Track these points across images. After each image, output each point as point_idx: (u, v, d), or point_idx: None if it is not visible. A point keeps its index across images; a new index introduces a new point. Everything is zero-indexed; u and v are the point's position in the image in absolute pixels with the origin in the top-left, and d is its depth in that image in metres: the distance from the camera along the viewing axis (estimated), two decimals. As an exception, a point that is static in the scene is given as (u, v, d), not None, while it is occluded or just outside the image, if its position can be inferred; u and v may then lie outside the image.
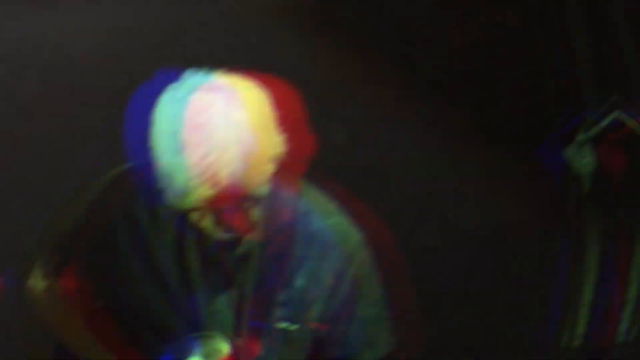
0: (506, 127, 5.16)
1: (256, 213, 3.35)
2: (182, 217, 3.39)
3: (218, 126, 3.16)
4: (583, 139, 3.87)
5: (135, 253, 3.53)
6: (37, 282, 3.71)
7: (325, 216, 3.51)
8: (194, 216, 3.30)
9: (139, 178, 3.45)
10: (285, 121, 3.36)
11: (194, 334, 3.44)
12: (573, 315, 5.41)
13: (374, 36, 5.19)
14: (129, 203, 3.55)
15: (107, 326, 3.60)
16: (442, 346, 5.01)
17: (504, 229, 5.28)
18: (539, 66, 5.69)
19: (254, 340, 3.45)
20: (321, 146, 3.55)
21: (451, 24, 5.69)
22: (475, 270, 5.00)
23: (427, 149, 4.44)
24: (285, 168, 3.39)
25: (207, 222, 3.32)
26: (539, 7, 5.82)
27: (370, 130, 4.24)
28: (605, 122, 4.00)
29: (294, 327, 3.42)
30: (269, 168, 3.28)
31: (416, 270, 3.96)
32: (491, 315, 5.42)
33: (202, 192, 3.18)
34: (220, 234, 3.36)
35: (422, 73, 5.51)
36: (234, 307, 3.42)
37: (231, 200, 3.24)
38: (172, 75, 3.33)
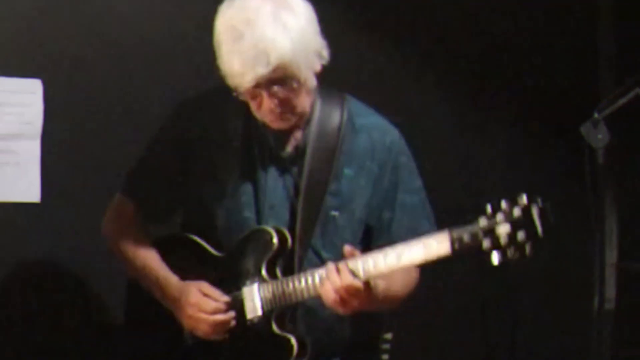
0: (531, 107, 5.40)
1: (305, 102, 3.66)
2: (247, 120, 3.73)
3: (268, 20, 3.46)
4: (599, 117, 3.89)
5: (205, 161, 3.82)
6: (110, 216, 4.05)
7: (366, 115, 3.83)
8: (249, 93, 3.55)
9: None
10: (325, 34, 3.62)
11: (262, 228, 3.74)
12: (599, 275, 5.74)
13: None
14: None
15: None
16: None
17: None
18: (561, 51, 5.70)
19: (307, 229, 3.74)
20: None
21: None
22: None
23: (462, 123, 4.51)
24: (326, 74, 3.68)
25: (262, 102, 3.58)
26: None
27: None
28: (619, 103, 3.94)
29: (344, 214, 3.74)
30: (315, 62, 3.59)
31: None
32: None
33: (257, 70, 3.45)
34: (272, 118, 3.63)
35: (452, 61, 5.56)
36: (289, 199, 3.76)
37: (281, 78, 3.53)
38: None
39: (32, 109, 4.48)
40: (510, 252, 3.28)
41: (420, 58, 5.43)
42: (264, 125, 3.72)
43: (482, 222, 3.30)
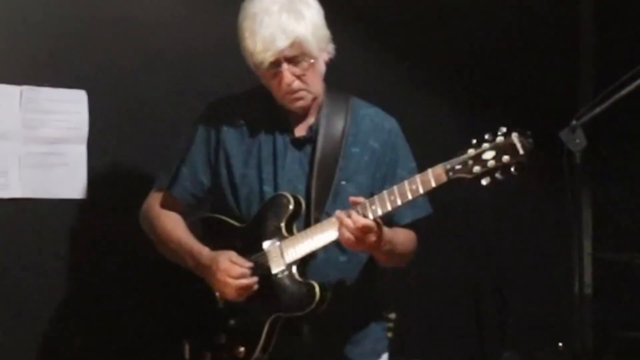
0: (517, 115, 5.26)
1: (317, 83, 3.86)
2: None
3: (284, 8, 3.70)
4: (577, 123, 3.89)
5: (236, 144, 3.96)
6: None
7: (367, 107, 4.00)
8: (270, 71, 3.76)
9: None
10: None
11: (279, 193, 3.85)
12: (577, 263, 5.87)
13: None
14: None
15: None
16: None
17: (517, 193, 5.50)
18: (545, 66, 5.76)
19: (321, 197, 3.86)
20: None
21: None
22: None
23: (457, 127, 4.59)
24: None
25: (282, 76, 3.76)
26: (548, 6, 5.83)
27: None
28: (595, 111, 3.92)
29: (352, 184, 3.86)
30: (324, 46, 3.83)
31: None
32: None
33: (277, 45, 3.67)
34: (290, 94, 3.80)
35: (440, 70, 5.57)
36: (305, 174, 3.90)
37: (296, 56, 3.74)
38: None
39: (78, 117, 4.51)
40: (497, 174, 3.45)
41: (413, 71, 5.49)
42: (283, 113, 3.90)
43: (471, 151, 3.47)
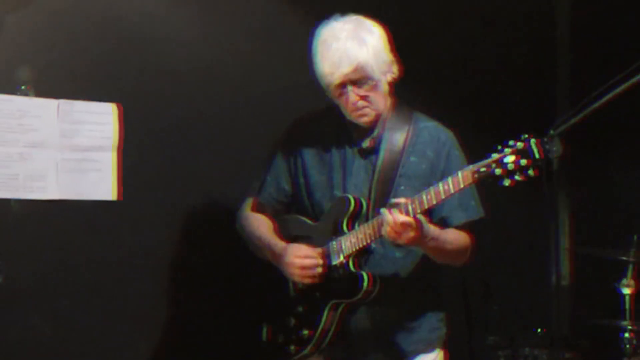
0: (501, 125, 5.32)
1: (380, 101, 3.94)
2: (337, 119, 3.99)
3: (349, 36, 3.83)
4: (554, 133, 3.74)
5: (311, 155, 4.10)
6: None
7: (427, 121, 4.06)
8: (337, 91, 3.87)
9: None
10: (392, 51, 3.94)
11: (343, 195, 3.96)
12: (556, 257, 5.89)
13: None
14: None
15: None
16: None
17: (502, 196, 5.66)
18: (526, 82, 5.78)
19: (380, 200, 3.92)
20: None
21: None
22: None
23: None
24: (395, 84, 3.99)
25: (348, 96, 3.87)
26: (526, 25, 5.85)
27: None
28: (571, 122, 3.81)
29: (409, 189, 3.90)
30: (386, 70, 3.91)
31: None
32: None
33: (341, 69, 3.81)
34: (355, 111, 3.90)
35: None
36: (369, 179, 3.99)
37: (359, 78, 3.84)
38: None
39: (109, 127, 4.51)
40: (517, 175, 3.55)
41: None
42: (351, 126, 3.99)
43: (494, 155, 3.58)
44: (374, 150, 4.01)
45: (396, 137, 4.00)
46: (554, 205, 5.84)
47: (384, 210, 3.72)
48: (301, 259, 3.91)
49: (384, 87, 3.95)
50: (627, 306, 4.75)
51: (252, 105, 4.85)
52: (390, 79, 3.97)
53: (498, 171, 3.58)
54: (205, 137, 4.77)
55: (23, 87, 4.41)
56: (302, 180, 4.12)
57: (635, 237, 4.76)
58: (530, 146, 3.56)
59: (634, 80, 4.06)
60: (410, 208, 3.69)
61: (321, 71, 3.89)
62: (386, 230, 3.70)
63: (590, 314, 5.34)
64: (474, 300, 5.70)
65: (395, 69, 3.97)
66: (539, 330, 5.51)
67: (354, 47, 3.84)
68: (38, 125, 4.39)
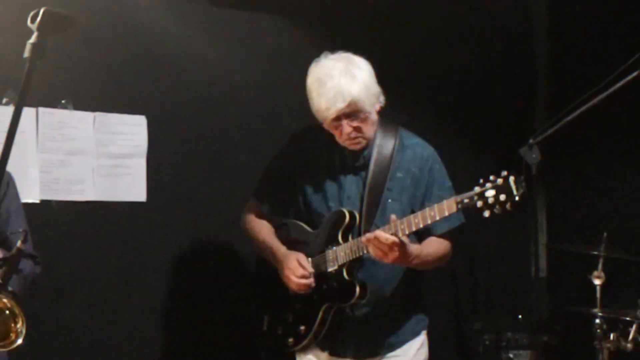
0: (485, 136, 5.29)
1: (370, 130, 3.88)
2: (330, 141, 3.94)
3: (342, 73, 3.77)
4: (533, 142, 3.74)
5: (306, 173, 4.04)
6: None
7: (412, 138, 4.02)
8: (333, 123, 3.82)
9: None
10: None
11: (336, 208, 3.94)
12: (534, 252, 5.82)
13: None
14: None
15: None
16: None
17: None
18: (507, 95, 5.69)
19: (371, 212, 3.91)
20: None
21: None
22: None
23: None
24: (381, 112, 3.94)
25: (342, 128, 3.82)
26: (506, 41, 5.77)
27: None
28: (548, 132, 3.77)
29: (396, 202, 3.91)
30: (375, 102, 3.86)
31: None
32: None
33: (337, 105, 3.75)
34: (349, 141, 3.85)
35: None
36: (359, 193, 3.96)
37: (353, 112, 3.79)
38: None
39: (139, 137, 4.54)
40: (496, 209, 3.54)
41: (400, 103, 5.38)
42: (344, 147, 3.96)
43: (476, 189, 3.57)
44: (364, 167, 3.98)
45: (383, 154, 3.96)
46: (533, 206, 5.87)
47: (369, 234, 3.70)
48: (297, 278, 3.88)
49: (374, 117, 3.92)
50: (598, 295, 4.76)
51: (263, 117, 4.84)
52: (378, 108, 3.94)
53: (479, 203, 3.57)
54: (221, 145, 4.78)
55: (63, 101, 4.42)
56: (299, 190, 4.08)
57: (604, 234, 4.77)
58: (509, 183, 3.56)
59: (605, 94, 4.08)
60: (399, 228, 3.69)
61: (317, 107, 3.85)
62: (373, 249, 3.69)
63: (565, 302, 5.32)
64: (463, 291, 5.68)
65: (382, 98, 3.93)
66: (520, 316, 5.50)
67: (347, 84, 3.79)
68: (76, 135, 4.42)
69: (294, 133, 4.16)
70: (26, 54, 2.35)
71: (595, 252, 4.76)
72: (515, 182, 3.56)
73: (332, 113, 3.80)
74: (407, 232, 3.69)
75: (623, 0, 5.40)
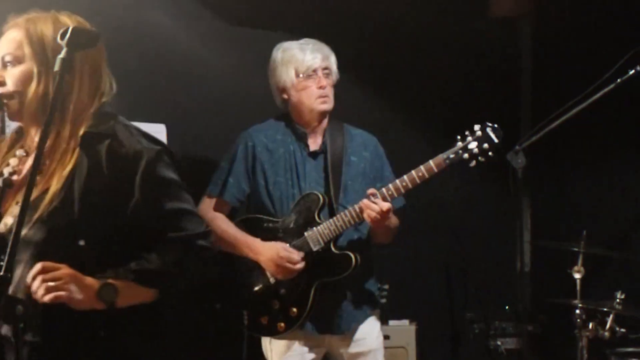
0: None
1: (332, 96, 3.94)
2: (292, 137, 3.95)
3: (317, 42, 4.01)
4: (519, 148, 3.99)
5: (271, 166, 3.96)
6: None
7: (356, 129, 4.06)
8: (309, 76, 3.89)
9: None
10: None
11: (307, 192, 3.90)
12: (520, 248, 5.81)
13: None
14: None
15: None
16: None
17: (477, 198, 5.55)
18: (494, 104, 5.60)
19: (336, 193, 3.88)
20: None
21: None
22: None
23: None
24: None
25: (319, 80, 3.89)
26: (493, 56, 5.74)
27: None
28: (533, 139, 4.05)
29: (354, 183, 3.93)
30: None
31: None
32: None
33: (324, 51, 3.96)
34: (321, 98, 3.89)
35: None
36: (322, 177, 3.94)
37: (327, 68, 3.93)
38: None
39: None
40: (481, 157, 3.65)
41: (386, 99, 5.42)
42: (300, 134, 3.98)
43: (459, 144, 3.67)
44: (322, 152, 3.98)
45: (337, 142, 3.97)
46: (519, 206, 5.72)
47: (366, 200, 3.71)
48: (293, 265, 3.80)
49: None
50: (578, 288, 4.75)
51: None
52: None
53: (465, 155, 3.66)
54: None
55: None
56: (261, 181, 3.99)
57: (584, 232, 4.76)
58: (487, 132, 3.65)
59: (583, 106, 4.15)
60: (387, 194, 3.71)
61: (300, 58, 3.90)
62: (370, 215, 3.69)
63: (548, 294, 5.26)
64: (455, 284, 5.66)
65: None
66: (507, 307, 5.50)
67: (324, 47, 3.95)
68: None
69: (252, 126, 4.11)
70: (56, 67, 2.33)
71: (575, 249, 4.76)
72: (493, 130, 3.66)
73: (317, 61, 3.89)
74: (395, 196, 3.73)
75: (599, 22, 5.46)
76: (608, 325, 4.61)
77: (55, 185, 2.38)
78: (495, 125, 3.68)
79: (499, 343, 5.33)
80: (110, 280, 2.36)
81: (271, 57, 4.05)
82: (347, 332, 3.93)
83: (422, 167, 3.70)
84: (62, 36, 2.33)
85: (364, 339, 3.96)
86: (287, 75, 3.95)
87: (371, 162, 4.01)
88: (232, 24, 4.85)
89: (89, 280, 2.34)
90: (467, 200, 5.50)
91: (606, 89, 4.13)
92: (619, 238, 5.58)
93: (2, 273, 2.15)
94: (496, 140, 3.64)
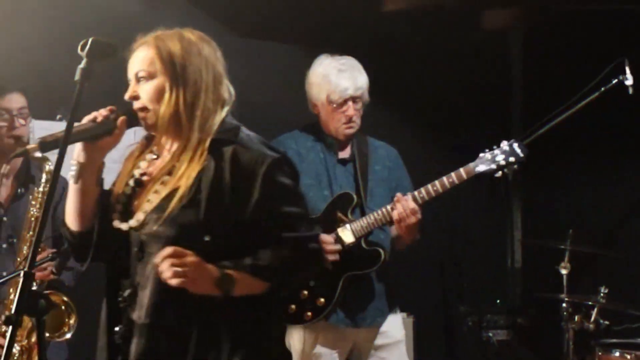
0: (466, 145, 5.11)
1: (359, 120, 3.88)
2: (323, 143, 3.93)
3: (354, 66, 3.88)
4: None
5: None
6: None
7: (377, 141, 4.02)
8: (340, 105, 3.82)
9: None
10: None
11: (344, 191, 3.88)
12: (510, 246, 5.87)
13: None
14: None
15: None
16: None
17: (470, 199, 5.39)
18: (485, 108, 5.69)
19: (364, 197, 3.86)
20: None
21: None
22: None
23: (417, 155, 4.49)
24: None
25: (348, 110, 3.82)
26: (486, 66, 5.75)
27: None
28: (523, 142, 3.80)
29: (378, 189, 3.90)
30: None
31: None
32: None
33: (357, 85, 3.82)
34: (347, 124, 3.85)
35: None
36: (349, 182, 3.92)
37: (359, 97, 3.84)
38: None
39: None
40: (506, 169, 3.67)
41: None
42: (330, 143, 3.96)
43: (487, 155, 3.67)
44: (350, 160, 3.97)
45: (363, 151, 3.97)
46: (509, 206, 5.85)
47: (399, 197, 3.72)
48: (332, 254, 3.77)
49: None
50: (564, 283, 4.75)
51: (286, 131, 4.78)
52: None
53: (492, 166, 3.67)
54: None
55: (108, 118, 4.44)
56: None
57: (570, 231, 4.77)
58: (514, 148, 3.67)
59: (570, 112, 4.18)
60: (418, 197, 3.72)
61: (328, 90, 3.86)
62: (401, 214, 3.69)
63: (537, 289, 5.30)
64: (450, 279, 5.67)
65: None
66: (498, 301, 5.54)
67: (360, 76, 3.87)
68: (119, 146, 4.18)
69: (276, 139, 4.05)
70: (76, 77, 2.36)
71: (563, 246, 4.77)
72: (519, 146, 3.67)
73: (351, 92, 3.83)
74: (426, 199, 3.73)
75: (584, 36, 5.50)
76: (593, 318, 4.63)
77: (184, 185, 2.48)
78: (523, 142, 3.72)
79: (490, 335, 5.34)
80: (228, 271, 2.44)
81: (311, 66, 4.01)
82: (373, 325, 3.92)
83: (452, 174, 3.72)
84: (82, 48, 2.35)
85: (389, 330, 3.95)
86: (318, 96, 3.93)
87: (393, 170, 4.01)
88: (241, 36, 4.86)
89: (211, 268, 2.43)
90: (461, 201, 5.38)
91: (591, 97, 4.20)
92: (603, 236, 5.61)
93: (26, 269, 2.19)
94: (521, 155, 3.66)
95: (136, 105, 2.57)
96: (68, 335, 3.65)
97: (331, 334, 3.90)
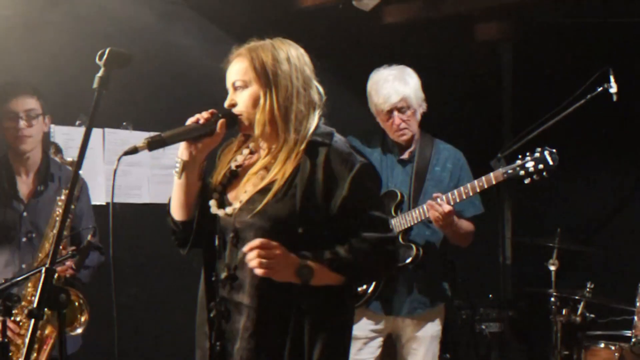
0: (463, 151, 5.34)
1: (415, 126, 3.86)
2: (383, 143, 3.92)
3: (396, 78, 3.82)
4: (501, 156, 3.89)
5: None
6: None
7: (444, 144, 3.98)
8: (386, 116, 3.82)
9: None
10: None
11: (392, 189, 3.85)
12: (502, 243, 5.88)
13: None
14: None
15: None
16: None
17: None
18: (479, 118, 5.67)
19: (417, 195, 3.86)
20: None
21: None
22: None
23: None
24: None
25: (393, 120, 3.82)
26: (478, 78, 5.72)
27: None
28: (514, 148, 4.02)
29: (435, 189, 3.84)
30: (420, 104, 3.88)
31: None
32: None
33: (393, 99, 3.79)
34: (397, 132, 3.83)
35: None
36: (407, 181, 3.91)
37: (403, 107, 3.81)
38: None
39: None
40: (535, 176, 3.58)
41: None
42: (393, 144, 3.95)
43: (518, 162, 3.62)
44: (410, 161, 3.96)
45: (425, 153, 3.95)
46: (501, 207, 5.85)
47: (431, 201, 3.68)
48: None
49: (418, 116, 3.92)
50: (553, 279, 4.76)
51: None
52: (422, 111, 3.93)
53: (522, 172, 3.61)
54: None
55: (125, 124, 4.47)
56: None
57: (558, 229, 4.78)
58: (545, 155, 3.59)
59: (557, 118, 4.21)
60: (451, 198, 3.68)
61: (376, 101, 3.86)
62: (434, 214, 3.67)
63: (526, 284, 5.31)
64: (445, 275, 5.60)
65: (424, 105, 3.94)
66: (491, 295, 5.49)
67: (400, 86, 3.82)
68: (139, 155, 4.32)
69: (347, 137, 4.09)
70: (95, 85, 2.34)
71: (551, 244, 4.79)
72: (550, 154, 3.59)
73: (386, 106, 3.81)
74: (457, 200, 3.69)
75: (571, 46, 5.52)
76: (579, 312, 4.62)
77: (280, 180, 2.54)
78: (554, 150, 3.63)
79: (483, 327, 5.34)
80: (309, 262, 2.49)
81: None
82: (412, 316, 3.90)
83: (483, 178, 3.68)
84: (100, 57, 2.34)
85: (425, 325, 3.93)
86: (371, 106, 3.94)
87: (453, 172, 3.94)
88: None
89: (293, 258, 2.48)
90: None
91: (577, 104, 4.24)
92: (589, 235, 5.58)
93: (48, 266, 2.19)
94: (551, 163, 3.60)
95: (235, 111, 2.62)
96: (79, 331, 3.63)
97: (370, 320, 3.90)
